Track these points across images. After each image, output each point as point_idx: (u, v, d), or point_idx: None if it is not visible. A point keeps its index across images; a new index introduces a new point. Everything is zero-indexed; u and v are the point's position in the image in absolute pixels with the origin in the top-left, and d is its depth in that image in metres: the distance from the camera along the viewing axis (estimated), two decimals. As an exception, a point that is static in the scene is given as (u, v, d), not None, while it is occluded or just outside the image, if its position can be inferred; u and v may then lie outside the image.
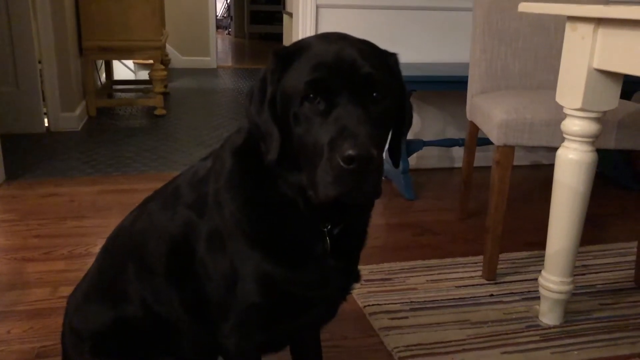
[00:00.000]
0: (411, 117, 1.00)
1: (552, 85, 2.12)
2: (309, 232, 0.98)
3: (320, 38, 0.93)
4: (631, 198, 2.78)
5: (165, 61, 4.75)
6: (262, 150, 0.93)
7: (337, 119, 0.83)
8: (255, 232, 0.98)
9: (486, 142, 2.48)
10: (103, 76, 4.81)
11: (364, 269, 1.12)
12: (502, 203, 1.87)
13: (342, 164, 0.79)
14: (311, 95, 0.85)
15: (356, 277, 1.10)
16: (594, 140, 1.51)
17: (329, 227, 0.98)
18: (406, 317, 1.70)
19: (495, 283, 1.92)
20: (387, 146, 0.99)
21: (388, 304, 1.76)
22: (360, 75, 0.85)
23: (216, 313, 1.03)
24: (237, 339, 1.03)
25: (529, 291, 1.86)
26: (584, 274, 1.99)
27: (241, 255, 0.99)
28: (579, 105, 1.45)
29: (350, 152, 0.78)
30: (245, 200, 0.98)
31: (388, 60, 0.94)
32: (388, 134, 0.95)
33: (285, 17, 5.33)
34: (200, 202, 1.04)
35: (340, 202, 0.85)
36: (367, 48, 0.91)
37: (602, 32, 1.37)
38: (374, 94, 0.86)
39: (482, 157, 2.88)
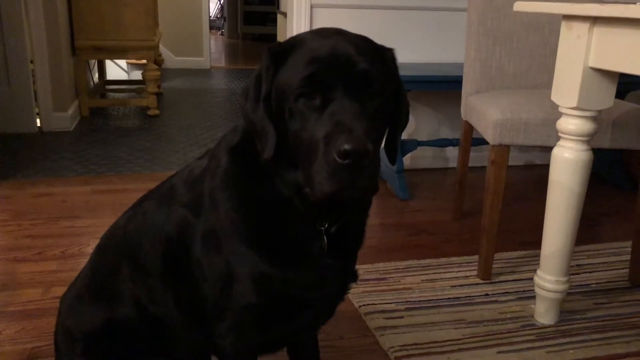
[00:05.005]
0: (408, 113, 1.00)
1: (546, 85, 2.13)
2: (306, 231, 0.97)
3: (314, 33, 0.92)
4: (624, 197, 2.79)
5: (158, 61, 4.73)
6: (258, 148, 0.92)
7: (333, 114, 0.82)
8: (251, 231, 0.97)
9: (480, 142, 2.49)
10: (96, 76, 4.78)
11: (359, 269, 1.11)
12: (497, 202, 1.87)
13: (337, 159, 0.78)
14: (306, 91, 0.84)
15: (354, 277, 1.09)
16: (590, 139, 1.51)
17: (326, 225, 0.97)
18: (401, 317, 1.69)
19: (491, 282, 1.92)
20: (383, 143, 0.98)
21: (383, 303, 1.76)
22: (357, 71, 0.85)
23: (212, 313, 1.02)
24: (233, 340, 1.02)
25: (524, 290, 1.86)
26: (578, 274, 1.99)
27: (237, 255, 0.98)
28: (574, 104, 1.45)
29: (346, 146, 0.77)
30: (241, 200, 0.97)
31: (385, 55, 0.94)
32: (384, 130, 0.95)
33: (279, 16, 5.33)
34: (195, 201, 1.03)
35: (337, 199, 0.85)
36: (363, 43, 0.90)
37: (598, 30, 1.37)
38: (370, 90, 0.86)
39: (476, 157, 2.88)
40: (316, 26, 2.84)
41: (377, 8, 2.92)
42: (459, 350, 1.55)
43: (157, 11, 5.08)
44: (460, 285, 1.89)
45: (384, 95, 0.88)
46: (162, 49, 5.93)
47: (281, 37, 5.16)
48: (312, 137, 0.83)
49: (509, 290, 1.87)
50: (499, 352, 1.54)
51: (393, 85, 0.93)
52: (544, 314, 1.68)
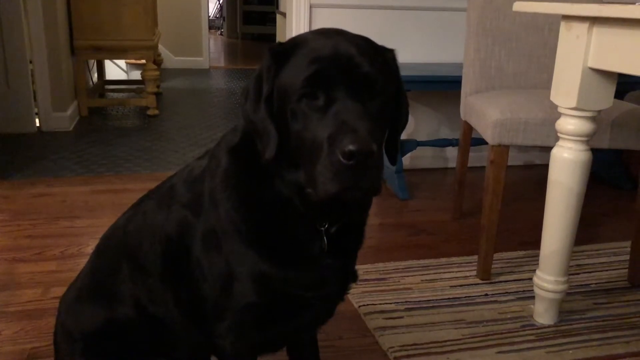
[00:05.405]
0: (407, 113, 1.00)
1: (546, 85, 2.13)
2: (306, 231, 0.97)
3: (316, 33, 0.92)
4: (623, 197, 2.79)
5: (157, 61, 4.73)
6: (259, 148, 0.92)
7: (336, 114, 0.82)
8: (251, 231, 0.97)
9: (480, 142, 2.49)
10: (95, 76, 4.78)
11: (358, 269, 1.11)
12: (496, 203, 1.87)
13: (342, 159, 0.78)
14: (309, 91, 0.84)
15: (354, 277, 1.09)
16: (589, 140, 1.51)
17: (327, 225, 0.97)
18: (401, 317, 1.69)
19: (490, 282, 1.92)
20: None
21: (383, 304, 1.76)
22: (359, 71, 0.85)
23: (212, 313, 1.02)
24: (233, 339, 1.02)
25: (524, 291, 1.86)
26: (577, 274, 1.99)
27: (237, 255, 0.98)
28: (573, 104, 1.45)
29: (351, 147, 0.77)
30: (241, 199, 0.97)
31: (386, 56, 0.94)
32: (386, 131, 0.95)
33: (278, 17, 5.33)
34: (195, 201, 1.03)
35: (339, 200, 0.85)
36: (364, 44, 0.90)
37: (597, 31, 1.37)
38: (372, 90, 0.86)
39: (475, 157, 2.88)
40: (315, 26, 2.86)
41: (377, 8, 2.92)
42: (459, 350, 1.55)
43: (156, 11, 5.08)
44: (460, 286, 1.89)
45: (385, 96, 0.88)
46: (161, 48, 5.93)
47: (280, 37, 5.16)
48: (315, 137, 0.83)
49: (509, 291, 1.87)
50: (498, 352, 1.54)
51: (394, 85, 0.93)
52: (543, 314, 1.69)
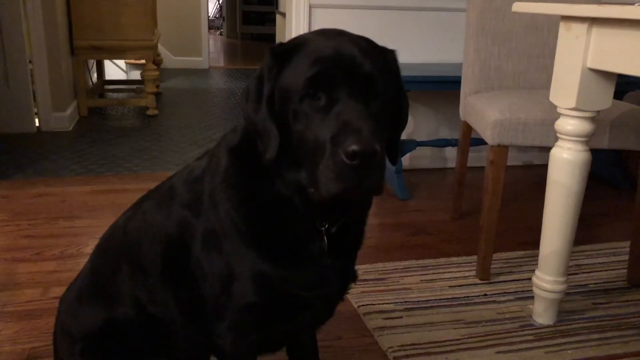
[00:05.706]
0: (407, 113, 1.00)
1: (545, 85, 2.14)
2: (306, 231, 0.97)
3: (318, 34, 0.92)
4: (622, 198, 2.79)
5: (157, 61, 4.73)
6: (260, 149, 0.92)
7: (339, 114, 0.82)
8: (251, 231, 0.97)
9: (479, 142, 2.49)
10: (94, 76, 4.78)
11: (358, 269, 1.11)
12: (496, 203, 1.87)
13: (345, 159, 0.78)
14: (312, 91, 0.84)
15: (353, 277, 1.09)
16: (588, 140, 1.51)
17: (327, 225, 0.97)
18: (400, 317, 1.69)
19: (489, 283, 1.92)
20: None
21: (382, 304, 1.76)
22: (361, 72, 0.85)
23: (212, 313, 1.02)
24: (232, 339, 1.03)
25: (523, 291, 1.86)
26: (576, 274, 1.99)
27: (237, 255, 0.98)
28: (572, 104, 1.45)
29: (354, 147, 0.77)
30: (241, 199, 0.98)
31: (387, 56, 0.94)
32: (387, 131, 0.95)
33: (278, 17, 5.33)
34: (195, 201, 1.03)
35: (341, 200, 0.85)
36: (366, 45, 0.90)
37: (596, 31, 1.38)
38: (374, 91, 0.86)
39: (474, 158, 2.88)
40: (315, 26, 2.86)
41: (377, 8, 2.93)
42: (458, 350, 1.55)
43: (156, 11, 5.08)
44: (459, 286, 1.90)
45: (387, 96, 0.89)
46: (161, 48, 5.93)
47: (280, 37, 5.16)
48: (317, 137, 0.83)
49: (508, 291, 1.87)
50: (497, 352, 1.55)
51: (395, 86, 0.93)
52: (542, 314, 1.69)
